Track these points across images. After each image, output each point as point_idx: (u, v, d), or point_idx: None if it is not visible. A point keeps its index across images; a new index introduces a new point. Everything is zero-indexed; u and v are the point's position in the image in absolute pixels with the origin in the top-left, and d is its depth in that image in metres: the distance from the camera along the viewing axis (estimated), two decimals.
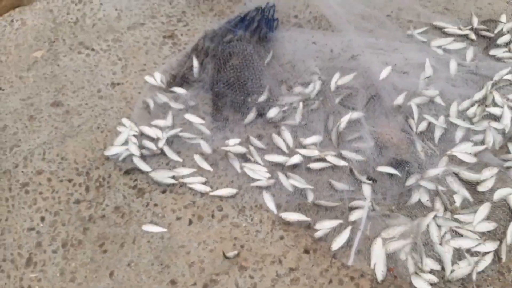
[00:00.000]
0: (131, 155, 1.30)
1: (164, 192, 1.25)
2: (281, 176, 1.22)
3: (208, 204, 1.22)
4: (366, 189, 1.19)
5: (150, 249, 1.16)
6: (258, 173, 1.24)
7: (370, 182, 1.19)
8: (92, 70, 1.52)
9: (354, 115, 1.30)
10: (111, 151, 1.30)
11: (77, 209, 1.23)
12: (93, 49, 1.57)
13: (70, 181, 1.29)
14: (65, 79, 1.50)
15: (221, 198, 1.22)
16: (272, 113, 1.34)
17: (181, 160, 1.29)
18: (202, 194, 1.24)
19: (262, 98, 1.36)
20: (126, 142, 1.31)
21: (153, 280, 1.11)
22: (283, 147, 1.29)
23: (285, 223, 1.17)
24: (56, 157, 1.34)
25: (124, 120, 1.35)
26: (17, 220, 1.22)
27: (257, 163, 1.27)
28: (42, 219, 1.22)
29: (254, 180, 1.24)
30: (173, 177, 1.25)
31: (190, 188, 1.25)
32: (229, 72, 1.36)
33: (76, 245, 1.18)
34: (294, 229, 1.16)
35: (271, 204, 1.18)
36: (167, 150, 1.30)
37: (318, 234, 1.13)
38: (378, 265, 1.07)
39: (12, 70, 1.54)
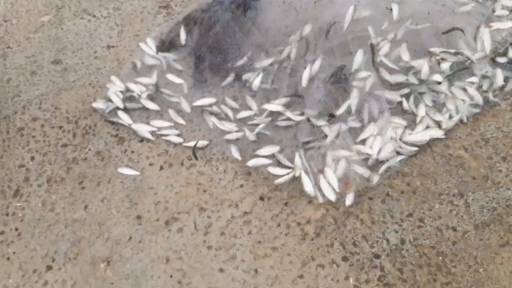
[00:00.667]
0: (116, 108, 1.43)
1: (141, 141, 1.37)
2: (247, 130, 1.32)
3: (179, 154, 1.34)
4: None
5: (123, 188, 1.28)
6: (228, 127, 1.35)
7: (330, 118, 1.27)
8: (91, 34, 1.66)
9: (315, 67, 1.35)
10: (98, 104, 1.43)
11: (63, 152, 1.37)
12: (94, 16, 1.71)
13: (60, 127, 1.43)
14: (67, 41, 1.65)
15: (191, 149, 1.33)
16: (247, 76, 1.44)
17: (159, 109, 1.40)
18: (175, 144, 1.35)
19: (240, 63, 1.46)
20: (112, 96, 1.44)
21: (121, 214, 1.23)
22: (254, 107, 1.39)
23: (247, 174, 1.27)
24: (50, 107, 1.48)
25: (113, 77, 1.48)
26: (11, 158, 1.37)
27: (229, 120, 1.38)
28: (32, 158, 1.37)
29: (224, 133, 1.35)
30: (151, 131, 1.37)
31: (165, 140, 1.36)
32: (211, 38, 1.47)
33: (59, 181, 1.31)
34: (254, 180, 1.26)
35: (236, 154, 1.28)
36: (147, 102, 1.42)
37: (276, 182, 1.22)
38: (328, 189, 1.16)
39: (21, 31, 1.70)
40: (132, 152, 1.35)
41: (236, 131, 1.34)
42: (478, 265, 1.07)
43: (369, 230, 1.14)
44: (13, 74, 1.58)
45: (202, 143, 1.33)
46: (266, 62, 1.43)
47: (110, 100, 1.43)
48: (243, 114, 1.37)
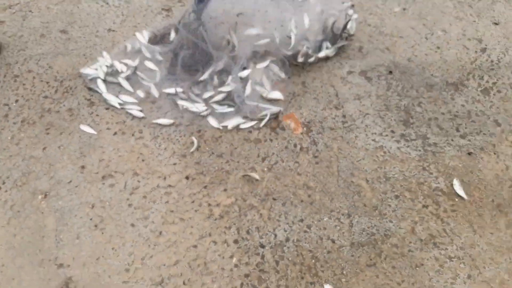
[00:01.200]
0: (97, 77, 1.68)
1: (107, 109, 1.61)
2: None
3: (134, 126, 1.57)
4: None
5: (78, 141, 1.51)
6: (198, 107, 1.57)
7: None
8: (99, 17, 1.94)
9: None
10: (85, 70, 1.68)
11: (42, 102, 1.62)
12: (107, 3, 2.00)
13: (47, 82, 1.68)
14: (78, 17, 1.93)
15: (144, 125, 1.56)
16: (205, 75, 1.66)
17: (132, 90, 1.65)
18: (134, 117, 1.58)
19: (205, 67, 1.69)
20: (98, 67, 1.69)
21: (70, 161, 1.46)
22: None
23: (182, 155, 1.49)
24: (46, 65, 1.74)
25: (104, 53, 1.74)
26: None
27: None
28: (16, 101, 1.62)
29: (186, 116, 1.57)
30: (119, 102, 1.61)
31: (128, 112, 1.60)
32: (187, 42, 1.71)
33: (31, 123, 1.56)
34: (186, 161, 1.48)
35: (214, 122, 1.54)
36: (123, 81, 1.67)
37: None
38: None
39: (45, 2, 1.99)
40: (97, 115, 1.59)
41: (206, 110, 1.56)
42: (343, 276, 1.25)
43: (263, 223, 1.33)
44: (25, 32, 1.86)
45: (167, 120, 1.55)
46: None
47: (95, 70, 1.68)
48: (207, 94, 1.60)
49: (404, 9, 2.02)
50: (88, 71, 1.67)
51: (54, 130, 1.54)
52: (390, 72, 1.75)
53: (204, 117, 1.56)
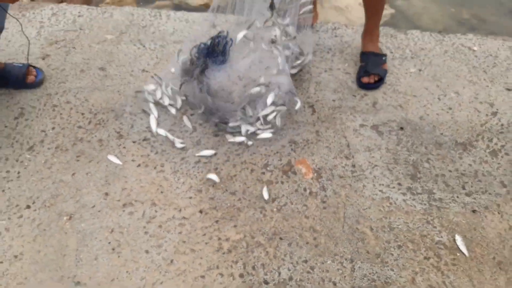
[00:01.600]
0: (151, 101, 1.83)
1: (134, 142, 1.75)
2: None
3: (157, 160, 1.69)
4: None
5: (105, 170, 1.64)
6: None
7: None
8: (135, 58, 2.12)
9: None
10: (144, 88, 1.85)
11: (76, 131, 1.77)
12: (144, 46, 2.19)
13: (82, 114, 1.84)
14: (116, 57, 2.12)
15: (166, 159, 1.68)
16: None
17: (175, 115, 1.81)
18: (157, 152, 1.71)
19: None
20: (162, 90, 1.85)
21: (95, 188, 1.58)
22: None
23: (198, 190, 1.59)
24: (83, 97, 1.91)
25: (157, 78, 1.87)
26: (38, 123, 1.79)
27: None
28: (53, 128, 1.78)
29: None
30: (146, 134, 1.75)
31: (170, 141, 1.73)
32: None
33: (64, 150, 1.70)
34: (201, 197, 1.58)
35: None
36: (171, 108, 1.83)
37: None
38: None
39: (87, 40, 2.20)
40: (124, 147, 1.72)
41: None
42: None
43: (269, 261, 1.41)
44: (67, 67, 2.04)
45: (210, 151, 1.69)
46: None
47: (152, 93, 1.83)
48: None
49: (419, 70, 2.14)
50: (151, 88, 1.83)
51: (84, 158, 1.67)
52: (401, 128, 1.84)
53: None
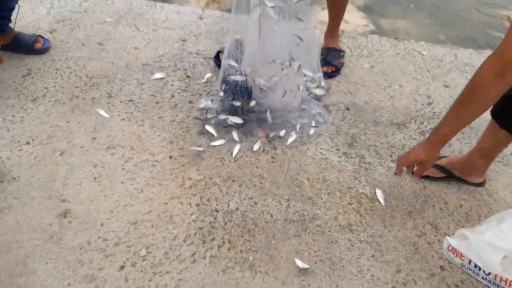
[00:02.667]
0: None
1: (121, 102, 2.08)
2: None
3: (138, 117, 2.03)
4: None
5: (95, 121, 1.97)
6: None
7: None
8: (130, 38, 2.47)
9: None
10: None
11: (73, 90, 2.11)
12: (138, 29, 2.55)
13: (80, 77, 2.18)
14: (113, 35, 2.47)
15: (147, 116, 2.02)
16: None
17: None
18: (139, 110, 2.05)
19: None
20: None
21: (85, 133, 1.91)
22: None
23: (170, 142, 1.93)
24: (81, 65, 2.25)
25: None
26: (42, 81, 2.12)
27: None
28: (54, 86, 2.11)
29: None
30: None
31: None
32: None
33: (61, 103, 2.04)
34: (172, 146, 1.91)
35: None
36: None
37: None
38: None
39: (90, 21, 2.55)
40: (112, 105, 2.06)
41: None
42: (273, 239, 1.61)
43: (221, 196, 1.73)
44: (71, 40, 2.40)
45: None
46: None
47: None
48: None
49: (372, 66, 2.51)
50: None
51: (77, 111, 2.01)
52: (347, 109, 2.19)
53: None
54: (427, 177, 1.88)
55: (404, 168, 1.64)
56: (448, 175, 1.85)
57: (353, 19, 3.36)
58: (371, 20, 3.42)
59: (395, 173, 1.87)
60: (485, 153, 1.73)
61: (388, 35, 3.96)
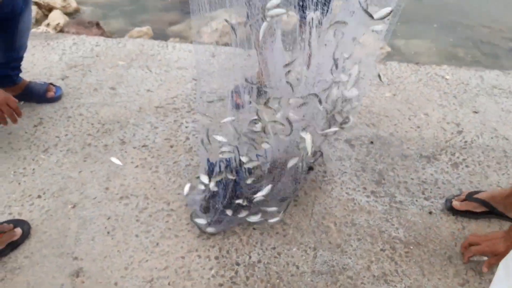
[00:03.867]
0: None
1: (135, 148, 2.01)
2: None
3: (152, 163, 1.94)
4: None
5: (107, 169, 1.89)
6: None
7: None
8: (142, 80, 2.42)
9: None
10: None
11: (86, 138, 2.04)
12: (150, 71, 2.50)
13: (92, 124, 2.12)
14: (126, 79, 2.42)
15: (161, 162, 1.93)
16: None
17: None
18: (153, 156, 1.96)
19: None
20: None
21: (97, 183, 1.83)
22: None
23: None
24: (93, 111, 2.20)
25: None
26: (54, 130, 2.07)
27: None
28: (66, 135, 2.06)
29: None
30: None
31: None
32: None
33: (73, 152, 1.97)
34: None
35: None
36: None
37: None
38: None
39: (102, 65, 2.52)
40: (125, 152, 1.98)
41: None
42: None
43: (242, 247, 1.61)
44: (83, 86, 2.36)
45: None
46: None
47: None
48: None
49: (394, 94, 2.39)
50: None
51: (90, 159, 1.93)
52: (372, 142, 2.07)
53: None
54: (466, 213, 1.72)
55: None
56: (490, 209, 1.69)
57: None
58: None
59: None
60: None
61: (408, 57, 3.87)
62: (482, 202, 1.70)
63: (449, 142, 2.09)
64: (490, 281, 1.50)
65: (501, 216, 1.70)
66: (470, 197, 1.70)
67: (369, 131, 2.13)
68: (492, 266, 1.43)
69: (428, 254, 1.60)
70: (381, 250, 1.60)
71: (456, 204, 1.70)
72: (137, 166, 1.91)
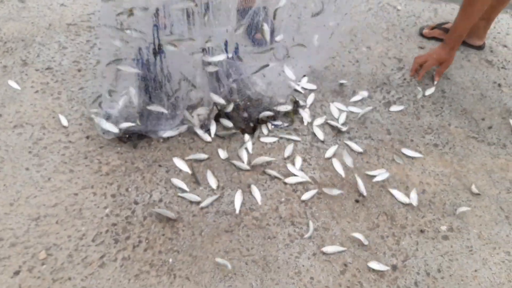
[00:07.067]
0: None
1: (37, 70, 1.78)
2: None
3: (55, 88, 1.73)
4: None
5: (3, 94, 1.68)
6: None
7: None
8: None
9: None
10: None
11: None
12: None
13: None
14: None
15: (64, 88, 1.73)
16: None
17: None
18: (57, 80, 1.75)
19: None
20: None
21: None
22: None
23: (90, 119, 1.64)
24: None
25: None
26: None
27: None
28: None
29: None
30: None
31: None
32: None
33: None
34: (91, 124, 1.63)
35: None
36: None
37: None
38: None
39: None
40: (26, 75, 1.76)
41: None
42: (199, 236, 1.38)
43: (144, 185, 1.48)
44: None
45: None
46: None
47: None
48: None
49: (338, 24, 2.18)
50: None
51: None
52: (304, 76, 1.90)
53: None
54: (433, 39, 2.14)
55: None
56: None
57: None
58: None
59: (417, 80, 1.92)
60: (485, 15, 1.87)
61: None
62: (447, 30, 1.97)
63: (387, 79, 1.95)
64: (402, 227, 1.45)
65: (463, 43, 2.05)
66: (438, 26, 2.11)
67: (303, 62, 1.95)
68: (441, 74, 1.90)
69: (341, 196, 1.52)
70: (293, 191, 1.51)
71: (426, 32, 2.13)
72: (37, 91, 1.71)
